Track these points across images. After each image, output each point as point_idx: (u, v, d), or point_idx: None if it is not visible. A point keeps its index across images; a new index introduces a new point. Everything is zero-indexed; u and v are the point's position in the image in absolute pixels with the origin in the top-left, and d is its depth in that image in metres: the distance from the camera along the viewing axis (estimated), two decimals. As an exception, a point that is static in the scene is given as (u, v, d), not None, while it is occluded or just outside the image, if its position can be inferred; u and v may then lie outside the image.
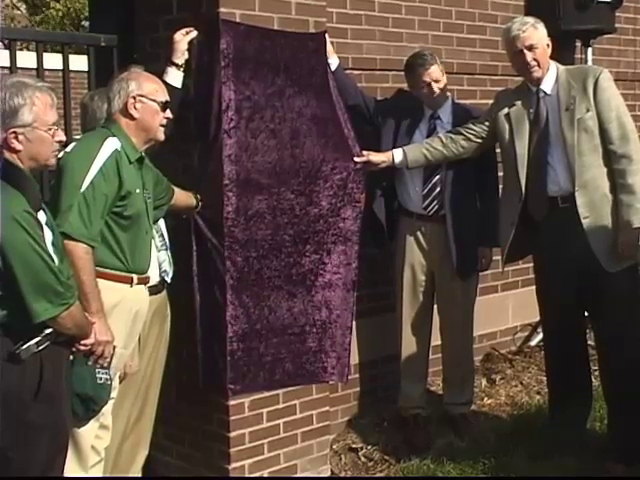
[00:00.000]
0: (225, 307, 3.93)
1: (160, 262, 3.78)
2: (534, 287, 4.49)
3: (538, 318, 4.99)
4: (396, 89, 4.76)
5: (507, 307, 5.72)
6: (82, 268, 3.22)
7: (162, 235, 3.86)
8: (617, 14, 5.78)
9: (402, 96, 4.68)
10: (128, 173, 3.44)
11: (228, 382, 3.97)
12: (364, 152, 4.28)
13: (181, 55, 3.90)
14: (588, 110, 4.09)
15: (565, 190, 4.14)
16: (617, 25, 5.85)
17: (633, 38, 6.36)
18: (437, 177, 4.54)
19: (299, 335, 4.15)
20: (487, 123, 4.38)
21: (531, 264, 4.63)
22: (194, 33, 3.91)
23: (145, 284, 3.60)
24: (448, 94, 4.64)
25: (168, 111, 3.60)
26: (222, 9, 3.86)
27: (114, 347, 3.33)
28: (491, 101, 4.57)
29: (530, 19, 4.24)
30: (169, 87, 3.75)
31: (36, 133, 2.96)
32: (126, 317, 3.50)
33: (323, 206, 4.15)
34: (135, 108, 3.51)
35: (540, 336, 5.57)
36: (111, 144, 3.42)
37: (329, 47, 4.24)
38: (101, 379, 3.28)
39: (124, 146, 3.46)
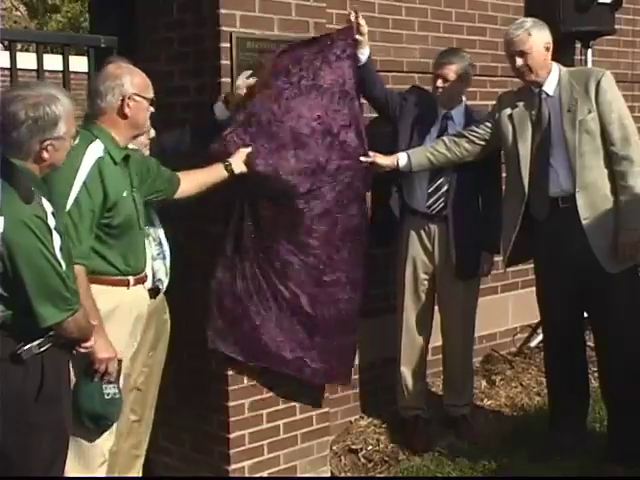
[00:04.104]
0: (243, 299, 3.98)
1: (155, 271, 3.71)
2: (534, 288, 4.49)
3: (538, 319, 4.99)
4: (396, 90, 4.76)
5: (507, 308, 5.72)
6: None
7: (160, 243, 3.78)
8: (617, 16, 5.78)
9: (417, 93, 4.66)
10: (113, 178, 3.33)
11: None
12: (371, 153, 4.23)
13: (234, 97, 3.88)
14: (590, 112, 4.09)
15: (566, 191, 4.14)
16: (617, 27, 5.84)
17: (632, 39, 6.36)
18: (443, 177, 4.52)
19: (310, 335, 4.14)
20: (490, 125, 4.38)
21: (531, 265, 4.62)
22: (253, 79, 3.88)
23: (143, 283, 3.56)
24: (463, 97, 4.63)
25: (151, 107, 3.53)
26: (222, 10, 3.87)
27: (119, 361, 3.31)
28: (491, 102, 4.58)
29: (529, 22, 4.22)
30: (213, 118, 3.84)
31: (63, 143, 2.97)
32: (126, 320, 3.46)
33: (329, 202, 4.08)
34: (129, 107, 3.42)
35: (540, 337, 5.57)
36: (94, 151, 3.30)
37: (362, 38, 4.13)
38: (109, 394, 3.27)
39: (108, 148, 3.35)
